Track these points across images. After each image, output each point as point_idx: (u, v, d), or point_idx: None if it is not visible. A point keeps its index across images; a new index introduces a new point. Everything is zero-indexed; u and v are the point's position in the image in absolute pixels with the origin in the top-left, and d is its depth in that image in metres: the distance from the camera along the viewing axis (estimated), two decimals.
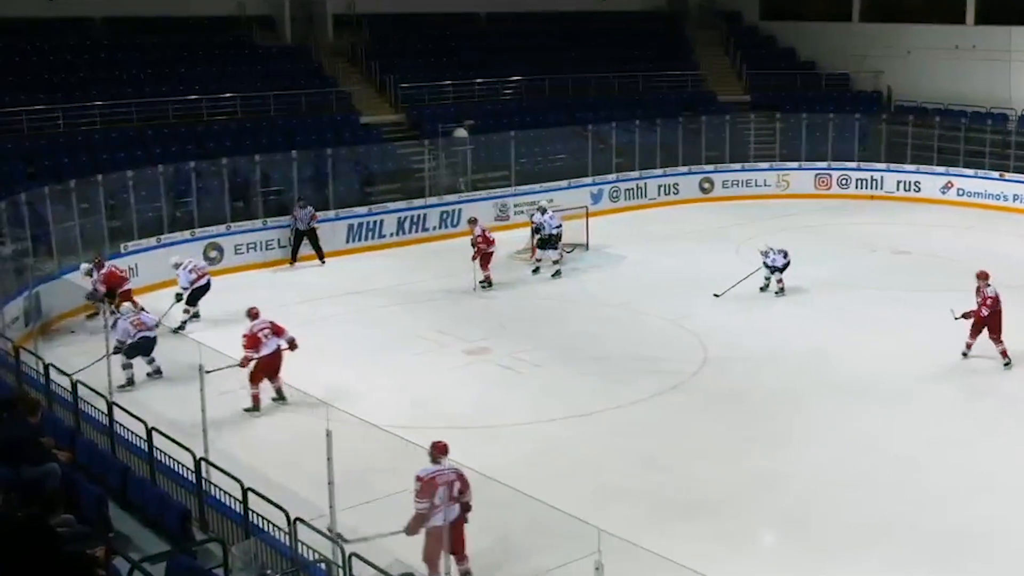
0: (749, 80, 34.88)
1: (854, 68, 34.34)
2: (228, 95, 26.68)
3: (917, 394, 15.39)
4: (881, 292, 20.84)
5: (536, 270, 22.49)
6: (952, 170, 29.59)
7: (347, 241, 24.76)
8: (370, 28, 31.31)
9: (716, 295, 20.35)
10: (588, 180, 28.98)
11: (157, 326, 16.27)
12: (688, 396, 15.64)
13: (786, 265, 20.59)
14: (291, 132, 26.77)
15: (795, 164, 30.90)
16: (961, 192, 29.20)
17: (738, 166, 31.04)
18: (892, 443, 13.73)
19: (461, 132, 28.23)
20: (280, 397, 15.07)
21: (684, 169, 30.66)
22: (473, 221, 21.89)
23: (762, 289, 20.66)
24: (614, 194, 29.33)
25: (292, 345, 15.15)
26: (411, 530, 9.83)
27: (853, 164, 30.81)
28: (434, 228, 25.90)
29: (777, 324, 18.92)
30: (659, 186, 30.19)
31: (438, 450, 10.04)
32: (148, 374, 16.12)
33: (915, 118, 31.08)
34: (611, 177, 29.49)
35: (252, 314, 15.24)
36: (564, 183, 28.37)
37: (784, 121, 31.71)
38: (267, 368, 14.91)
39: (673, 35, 36.55)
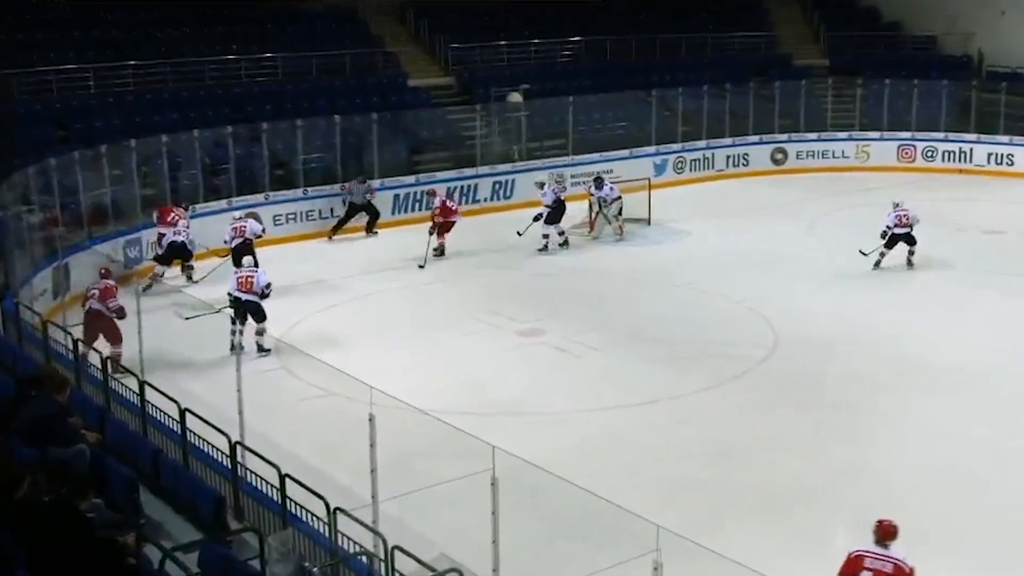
0: (828, 42, 34.44)
1: (943, 30, 33.74)
2: (268, 56, 26.78)
3: (1009, 381, 15.09)
4: (969, 275, 20.51)
5: (544, 247, 22.31)
6: None
7: (393, 212, 24.79)
8: None
9: (863, 253, 20.48)
10: (651, 149, 28.80)
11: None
12: (758, 383, 15.48)
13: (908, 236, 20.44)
14: (334, 96, 26.82)
15: (876, 134, 30.48)
16: None
17: (814, 136, 30.70)
18: (984, 433, 13.47)
19: (515, 97, 28.13)
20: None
21: (755, 138, 30.39)
22: (432, 193, 22.64)
23: (876, 266, 20.57)
24: (679, 165, 29.11)
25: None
26: None
27: (940, 135, 30.30)
28: (485, 200, 25.88)
29: (854, 307, 18.66)
30: (727, 157, 29.93)
31: (884, 532, 8.71)
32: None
33: (1009, 85, 30.47)
34: (676, 147, 29.27)
35: None
36: (625, 152, 28.24)
37: (865, 87, 31.31)
38: None
39: None
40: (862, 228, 22.92)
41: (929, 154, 30.20)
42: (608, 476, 12.25)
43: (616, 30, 31.55)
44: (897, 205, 20.78)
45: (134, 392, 12.07)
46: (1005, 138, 29.69)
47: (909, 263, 20.73)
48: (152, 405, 11.81)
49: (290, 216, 23.63)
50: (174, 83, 25.37)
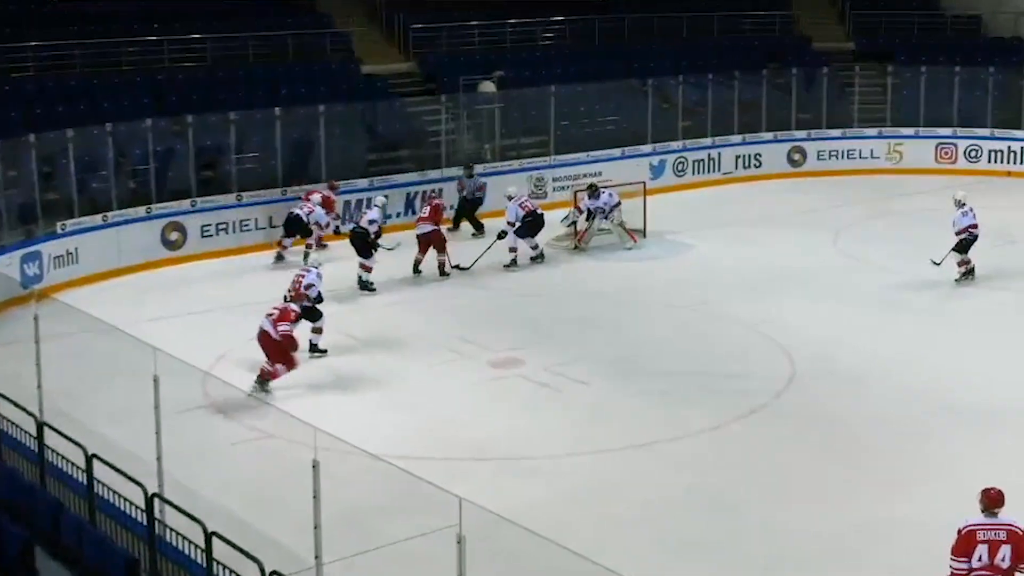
0: (854, 23, 34.70)
1: (989, 8, 34.02)
2: (195, 36, 26.77)
3: None
4: (1020, 296, 20.60)
5: (512, 263, 22.41)
6: None
7: (345, 222, 24.70)
8: None
9: (935, 263, 20.55)
10: (647, 148, 28.94)
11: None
12: (771, 423, 15.49)
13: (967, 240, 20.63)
14: (274, 84, 26.86)
15: (911, 131, 30.72)
16: None
17: (838, 133, 30.93)
18: None
19: (488, 86, 28.19)
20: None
21: (769, 136, 30.58)
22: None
23: (965, 277, 20.86)
24: (680, 167, 29.24)
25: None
26: None
27: (986, 131, 30.57)
28: (452, 207, 25.83)
29: (884, 332, 18.72)
30: (737, 157, 30.10)
31: (991, 500, 9.71)
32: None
33: None
34: (676, 145, 29.43)
35: None
36: (617, 152, 28.34)
37: (898, 76, 31.62)
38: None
39: None
40: (895, 240, 23.14)
41: (973, 154, 30.45)
42: (595, 533, 12.21)
43: (606, 9, 31.71)
44: (962, 203, 20.77)
45: (30, 435, 11.96)
46: None
47: (969, 273, 20.91)
48: (52, 451, 11.70)
49: (221, 226, 23.55)
50: (82, 68, 25.30)
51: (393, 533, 11.83)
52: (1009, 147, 30.23)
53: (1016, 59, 32.53)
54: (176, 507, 10.32)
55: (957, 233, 20.74)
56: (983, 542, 9.50)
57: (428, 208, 22.47)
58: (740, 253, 23.34)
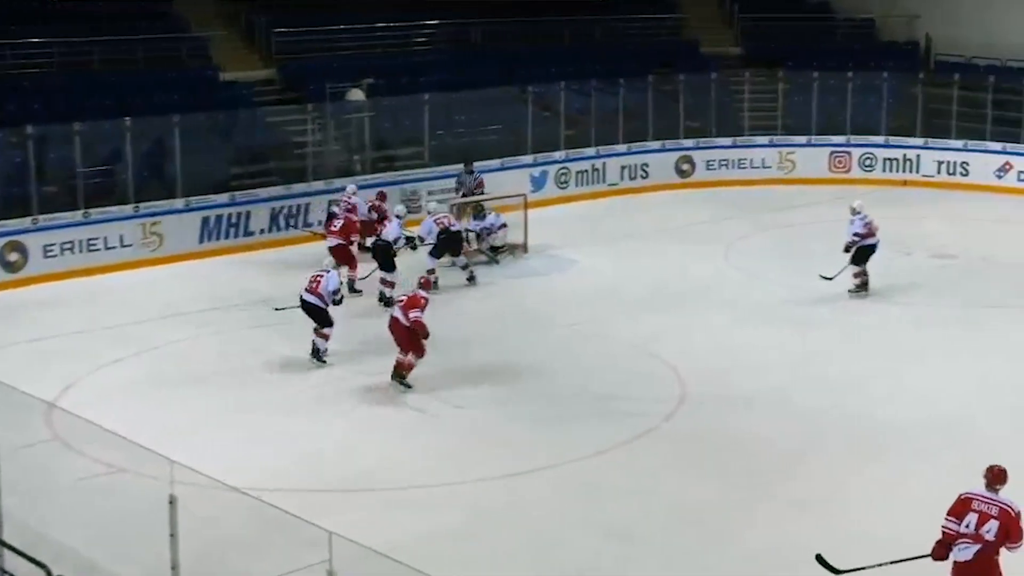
0: (743, 27, 35.23)
1: (882, 12, 34.80)
2: (37, 40, 26.32)
3: (971, 441, 15.42)
4: (917, 308, 21.08)
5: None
6: (1011, 147, 30.12)
7: (201, 240, 24.51)
8: None
9: (826, 277, 20.99)
10: (527, 159, 29.08)
11: None
12: (662, 446, 15.59)
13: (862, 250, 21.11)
14: (124, 92, 26.46)
15: (803, 139, 31.28)
16: (1023, 176, 29.64)
17: (728, 141, 31.36)
18: (939, 510, 13.65)
19: (357, 94, 28.13)
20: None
21: (656, 145, 30.89)
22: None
23: (858, 290, 21.36)
24: (562, 178, 29.40)
25: None
26: (936, 553, 10.56)
27: (880, 139, 31.25)
28: (320, 223, 25.68)
29: (778, 350, 18.98)
30: (622, 167, 30.35)
31: (995, 477, 10.51)
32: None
33: (962, 78, 31.55)
34: (559, 155, 29.58)
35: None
36: (496, 163, 28.38)
37: (789, 82, 32.09)
38: None
39: None
40: (788, 254, 23.52)
41: (867, 162, 31.10)
42: (480, 566, 12.25)
43: (484, 12, 31.78)
44: (857, 211, 21.21)
45: None
46: (958, 143, 30.70)
47: (865, 285, 21.38)
48: None
49: (66, 246, 23.10)
50: None
51: (258, 571, 11.69)
52: (904, 155, 30.89)
53: (910, 64, 33.34)
54: (17, 551, 10.11)
55: (846, 244, 21.16)
56: (975, 511, 10.35)
57: (340, 222, 22.36)
58: (627, 268, 23.54)
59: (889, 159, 30.99)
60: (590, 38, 33.10)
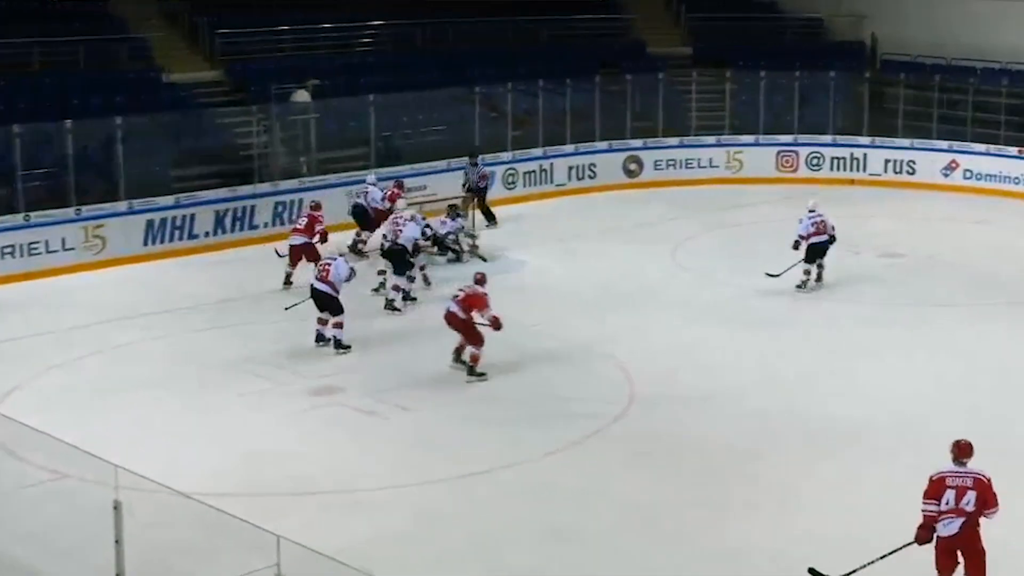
0: (690, 27, 35.35)
1: (829, 11, 35.04)
2: None
3: (924, 440, 15.50)
4: (867, 307, 21.28)
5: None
6: (957, 146, 30.46)
7: (145, 243, 24.40)
8: None
9: (772, 275, 21.41)
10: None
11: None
12: (611, 447, 15.63)
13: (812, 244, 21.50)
14: (65, 94, 26.32)
15: (751, 139, 31.46)
16: (969, 174, 30.03)
17: (675, 141, 31.49)
18: (893, 508, 13.80)
19: (302, 95, 28.04)
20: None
21: (603, 145, 30.97)
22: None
23: (803, 286, 21.69)
24: (510, 179, 29.44)
25: None
26: (919, 539, 11.10)
27: (827, 138, 31.51)
28: (266, 225, 25.67)
29: (727, 351, 19.08)
30: (570, 168, 30.43)
31: (961, 450, 11.13)
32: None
33: (908, 77, 31.91)
34: (506, 156, 29.60)
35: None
36: (442, 164, 28.36)
37: (736, 81, 32.28)
38: None
39: None
40: (736, 253, 23.65)
41: (815, 161, 31.33)
42: (428, 569, 12.28)
43: (428, 13, 31.75)
44: (812, 210, 21.60)
45: None
46: (905, 141, 31.04)
47: (818, 278, 21.78)
48: None
49: (7, 250, 22.94)
50: None
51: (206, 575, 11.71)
52: (852, 154, 31.14)
53: (857, 63, 33.59)
54: None
55: (794, 242, 21.50)
56: (951, 487, 10.94)
57: (304, 219, 22.46)
58: (576, 269, 23.61)
59: (836, 158, 31.23)
60: (537, 39, 33.11)
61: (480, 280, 18.11)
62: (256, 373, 18.02)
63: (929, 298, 21.71)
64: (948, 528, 10.97)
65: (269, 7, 30.79)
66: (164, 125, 26.50)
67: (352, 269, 19.43)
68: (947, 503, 10.96)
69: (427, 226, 22.07)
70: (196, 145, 27.02)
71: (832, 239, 21.68)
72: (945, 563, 11.08)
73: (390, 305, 20.97)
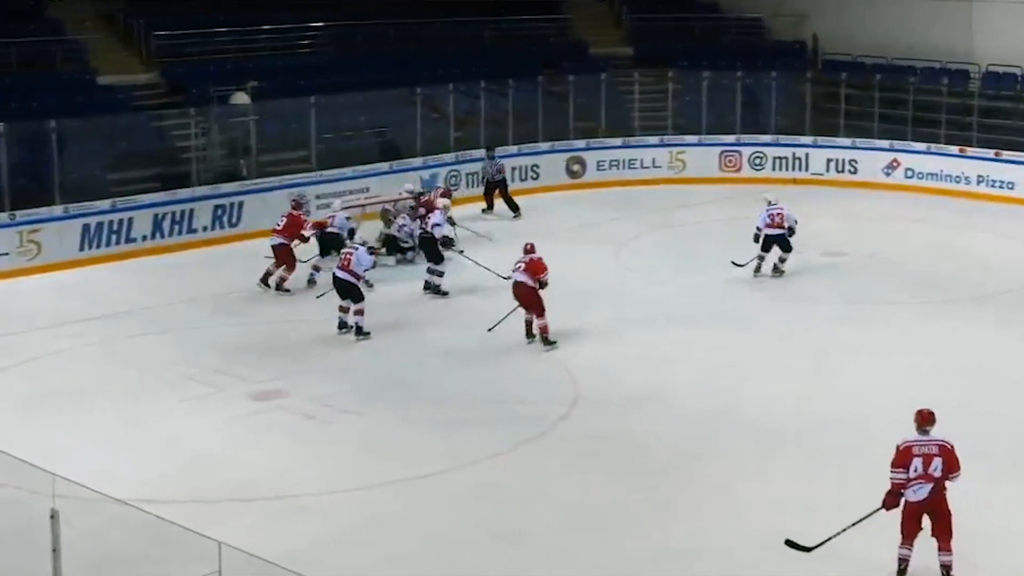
0: (632, 27, 35.44)
1: (770, 11, 35.24)
2: None
3: (866, 438, 15.60)
4: (810, 306, 21.41)
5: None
6: (898, 145, 30.73)
7: (82, 248, 24.15)
8: None
9: (737, 264, 22.32)
10: (417, 162, 29.04)
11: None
12: (555, 448, 15.64)
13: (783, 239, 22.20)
14: None
15: (694, 139, 31.56)
16: (910, 173, 30.28)
17: (618, 141, 31.55)
18: (840, 509, 13.89)
19: (242, 97, 27.89)
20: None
21: (546, 146, 31.01)
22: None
23: (757, 271, 22.43)
24: (452, 180, 29.35)
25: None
26: (887, 502, 11.81)
27: (769, 138, 31.66)
28: (205, 228, 25.49)
29: (671, 351, 19.12)
30: (512, 168, 30.30)
31: (924, 419, 11.89)
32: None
33: (849, 77, 32.17)
34: (448, 158, 29.55)
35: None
36: (385, 166, 28.31)
37: (678, 82, 32.39)
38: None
39: None
40: (680, 253, 23.70)
41: (757, 161, 31.50)
42: (373, 572, 12.21)
43: (369, 14, 31.64)
44: (771, 203, 22.27)
45: None
46: (846, 141, 31.27)
47: (775, 269, 22.36)
48: None
49: None
50: None
51: None
52: (794, 154, 31.34)
53: (798, 63, 33.81)
54: None
55: (754, 235, 22.12)
56: (918, 455, 11.69)
57: (284, 220, 22.45)
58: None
59: (779, 158, 31.42)
60: (479, 40, 33.08)
61: (532, 248, 19.51)
62: (196, 378, 17.86)
63: (871, 296, 21.86)
64: (918, 493, 11.69)
65: (206, 7, 30.51)
66: (100, 128, 26.21)
67: (374, 259, 20.50)
68: (915, 470, 11.66)
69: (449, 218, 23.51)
70: (133, 148, 26.80)
71: (792, 231, 22.25)
72: (911, 528, 11.77)
73: (435, 289, 22.14)
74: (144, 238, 24.88)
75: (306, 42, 31.31)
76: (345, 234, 22.20)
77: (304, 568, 9.75)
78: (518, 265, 19.27)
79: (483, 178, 28.50)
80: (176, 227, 25.25)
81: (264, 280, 22.24)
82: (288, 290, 22.15)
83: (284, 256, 22.18)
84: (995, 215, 27.46)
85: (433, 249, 22.12)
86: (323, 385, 17.55)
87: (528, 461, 15.26)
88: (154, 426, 16.23)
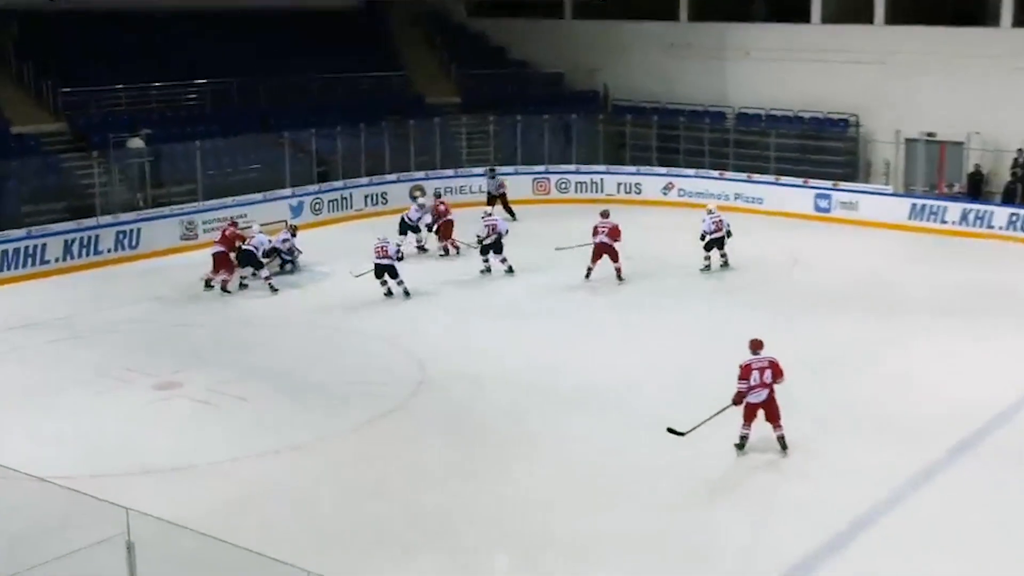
0: (459, 80, 35.36)
1: (569, 67, 35.47)
2: None
3: (638, 400, 15.82)
4: (607, 298, 21.60)
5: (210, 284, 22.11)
6: (673, 170, 31.14)
7: (1, 270, 23.06)
8: (20, 24, 29.47)
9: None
10: (287, 192, 28.43)
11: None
12: (406, 420, 15.53)
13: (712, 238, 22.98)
14: None
15: (511, 168, 31.46)
16: (683, 192, 30.64)
17: (451, 171, 31.35)
18: (622, 450, 14.14)
19: (136, 142, 27.12)
20: None
21: (393, 177, 30.67)
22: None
23: (706, 270, 23.07)
24: (316, 206, 28.90)
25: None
26: (735, 401, 13.43)
27: (572, 167, 31.79)
28: (109, 251, 24.61)
29: (499, 339, 19.07)
30: (366, 196, 30.03)
31: (755, 345, 13.60)
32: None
33: (633, 118, 32.59)
34: (312, 188, 29.07)
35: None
36: (259, 196, 27.69)
37: (498, 124, 32.41)
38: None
39: (373, 33, 36.52)
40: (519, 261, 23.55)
41: (563, 186, 31.60)
42: (262, 529, 11.92)
43: (243, 72, 30.95)
44: (711, 212, 23.16)
45: None
46: (632, 168, 31.62)
47: (725, 264, 23.25)
48: None
49: None
50: None
51: (61, 549, 10.96)
52: (591, 179, 31.57)
53: (593, 107, 34.19)
54: None
55: (700, 235, 22.96)
56: (756, 369, 13.47)
57: (221, 233, 22.36)
58: (370, 277, 23.14)
59: (580, 183, 31.59)
60: (334, 92, 32.55)
61: (608, 213, 22.36)
62: (105, 376, 17.20)
63: (655, 291, 21.99)
64: (758, 396, 13.47)
65: (106, 69, 29.45)
66: (14, 170, 25.24)
67: (399, 246, 22.78)
68: (755, 380, 13.40)
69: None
70: (45, 185, 25.77)
71: (729, 234, 23.07)
72: (750, 416, 13.57)
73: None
74: (56, 260, 23.85)
75: (190, 96, 30.49)
76: (260, 253, 22.23)
77: (199, 526, 9.38)
78: (603, 230, 21.81)
79: (487, 193, 28.83)
80: (84, 250, 24.26)
81: (207, 284, 21.92)
82: (229, 291, 21.81)
83: (224, 263, 21.89)
84: (747, 224, 27.82)
85: (497, 244, 23.06)
86: (216, 376, 17.05)
87: (385, 431, 15.11)
88: (68, 416, 15.61)
